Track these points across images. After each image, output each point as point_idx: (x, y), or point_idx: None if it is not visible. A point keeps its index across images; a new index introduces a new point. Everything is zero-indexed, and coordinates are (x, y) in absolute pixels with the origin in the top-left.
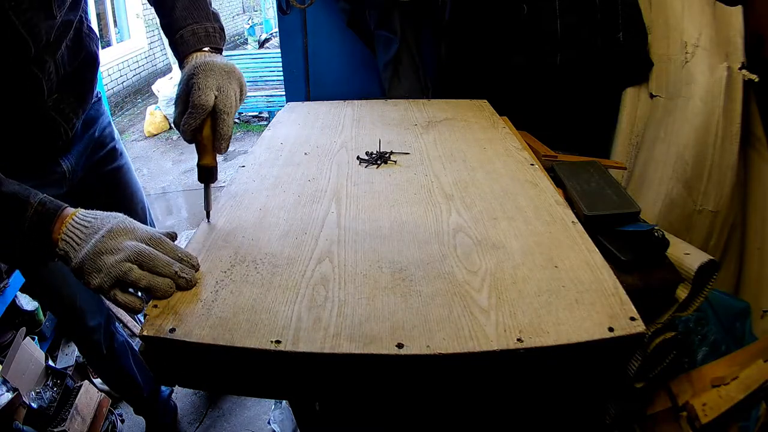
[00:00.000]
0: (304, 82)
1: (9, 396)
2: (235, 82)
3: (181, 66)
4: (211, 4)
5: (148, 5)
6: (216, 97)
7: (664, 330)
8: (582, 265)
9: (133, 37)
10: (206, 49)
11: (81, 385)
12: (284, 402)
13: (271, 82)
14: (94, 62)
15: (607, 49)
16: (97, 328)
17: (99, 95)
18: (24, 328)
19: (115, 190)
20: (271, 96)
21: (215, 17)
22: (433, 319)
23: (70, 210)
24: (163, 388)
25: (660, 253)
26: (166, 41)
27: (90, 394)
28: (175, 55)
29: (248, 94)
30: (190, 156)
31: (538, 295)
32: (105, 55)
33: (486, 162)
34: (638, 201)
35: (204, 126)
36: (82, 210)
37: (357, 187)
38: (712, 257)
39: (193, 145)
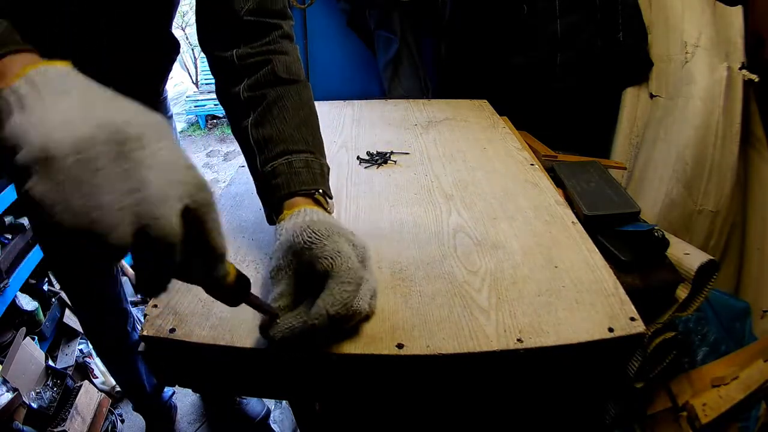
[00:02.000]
0: None
1: (9, 396)
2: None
3: (277, 209)
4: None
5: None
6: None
7: (664, 330)
8: (582, 265)
9: None
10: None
11: (81, 385)
12: (284, 402)
13: None
14: (160, 59)
15: (607, 49)
16: (114, 325)
17: (165, 94)
18: (24, 328)
19: None
20: None
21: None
22: (433, 319)
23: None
24: (165, 388)
25: (660, 253)
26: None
27: (90, 394)
28: (264, 187)
29: None
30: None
31: (538, 296)
32: None
33: (486, 162)
34: (638, 201)
35: None
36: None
37: (357, 187)
38: (712, 257)
39: None
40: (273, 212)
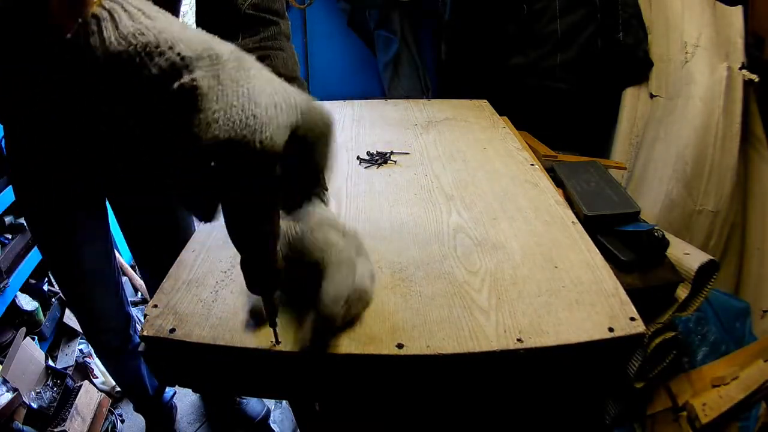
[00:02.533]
0: None
1: (9, 396)
2: None
3: None
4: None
5: None
6: None
7: (664, 330)
8: (582, 265)
9: None
10: None
11: (81, 385)
12: (284, 402)
13: None
14: None
15: (607, 49)
16: (114, 329)
17: None
18: (24, 328)
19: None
20: None
21: None
22: (433, 319)
23: None
24: (167, 388)
25: (660, 253)
26: None
27: (90, 394)
28: None
29: None
30: None
31: (538, 296)
32: None
33: (486, 162)
34: (638, 201)
35: None
36: None
37: (357, 187)
38: (712, 257)
39: None
40: None
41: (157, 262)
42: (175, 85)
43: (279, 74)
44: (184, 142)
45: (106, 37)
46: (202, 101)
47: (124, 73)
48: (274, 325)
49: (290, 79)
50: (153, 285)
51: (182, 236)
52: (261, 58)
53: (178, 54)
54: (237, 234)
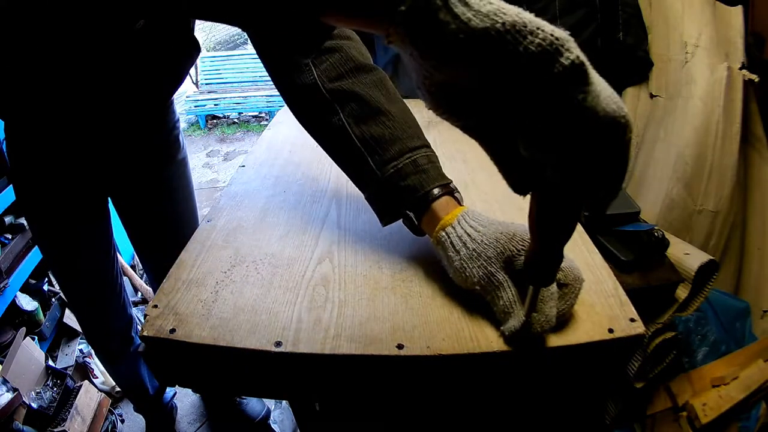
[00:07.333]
0: None
1: (9, 396)
2: None
3: (419, 211)
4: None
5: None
6: None
7: (664, 330)
8: (582, 265)
9: None
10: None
11: (81, 385)
12: (284, 402)
13: (271, 83)
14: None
15: (607, 49)
16: (117, 331)
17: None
18: (24, 328)
19: (170, 187)
20: (271, 96)
21: None
22: (434, 320)
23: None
24: (167, 389)
25: (660, 253)
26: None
27: (90, 394)
28: (387, 190)
29: (248, 94)
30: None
31: None
32: None
33: (486, 162)
34: (638, 201)
35: None
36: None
37: None
38: (712, 257)
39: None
40: (414, 216)
41: (160, 262)
42: (565, 61)
43: (360, 65)
44: (570, 115)
45: (460, 13)
46: (590, 77)
47: (492, 50)
48: (529, 319)
49: (371, 68)
50: (155, 284)
51: (186, 235)
52: (331, 50)
53: (552, 34)
54: (554, 222)
